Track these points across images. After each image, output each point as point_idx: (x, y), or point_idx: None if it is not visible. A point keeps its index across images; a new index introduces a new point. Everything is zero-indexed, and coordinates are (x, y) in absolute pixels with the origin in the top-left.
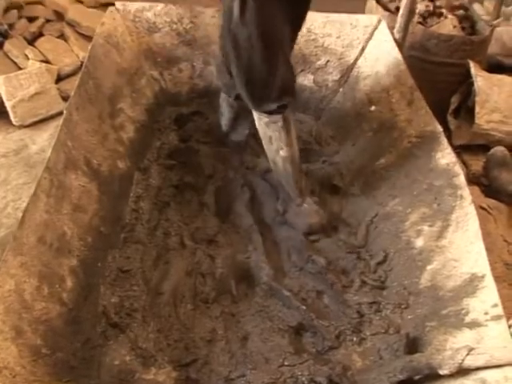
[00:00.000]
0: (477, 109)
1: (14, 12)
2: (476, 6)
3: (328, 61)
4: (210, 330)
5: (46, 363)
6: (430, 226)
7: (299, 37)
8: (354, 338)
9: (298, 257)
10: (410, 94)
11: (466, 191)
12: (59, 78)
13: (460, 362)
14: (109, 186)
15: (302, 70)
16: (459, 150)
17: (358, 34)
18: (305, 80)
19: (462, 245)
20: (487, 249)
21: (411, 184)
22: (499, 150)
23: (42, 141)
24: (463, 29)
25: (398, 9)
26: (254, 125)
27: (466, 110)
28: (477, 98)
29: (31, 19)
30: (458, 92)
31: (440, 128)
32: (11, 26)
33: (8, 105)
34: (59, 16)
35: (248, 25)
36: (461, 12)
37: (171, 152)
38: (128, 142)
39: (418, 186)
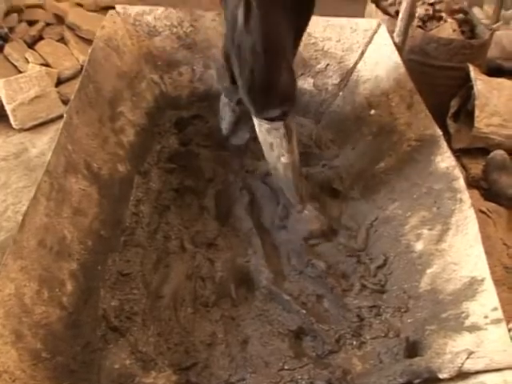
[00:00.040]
0: (476, 112)
1: (15, 15)
2: (475, 10)
3: (328, 64)
4: (210, 334)
5: (46, 367)
6: (430, 229)
7: None
8: (354, 342)
9: (298, 261)
10: (410, 98)
11: (465, 195)
12: (59, 82)
13: (460, 365)
14: (109, 189)
15: (302, 74)
16: (459, 154)
17: (357, 37)
18: (305, 83)
19: (461, 248)
20: (487, 252)
21: (411, 187)
22: (499, 154)
23: (42, 144)
24: (463, 32)
25: (397, 12)
26: (255, 129)
27: (466, 114)
28: (476, 102)
29: (31, 23)
30: (457, 95)
31: (439, 131)
32: (11, 29)
33: (8, 108)
34: (59, 19)
35: (252, 33)
36: (460, 16)
37: (171, 155)
38: (128, 146)
39: (417, 190)
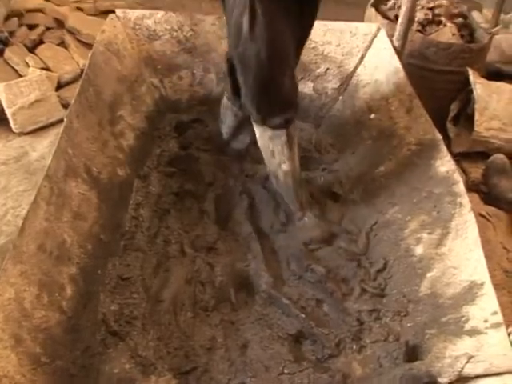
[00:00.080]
0: (476, 116)
1: (15, 20)
2: (475, 14)
3: (328, 69)
4: (209, 338)
5: (46, 371)
6: (430, 233)
7: None
8: (354, 346)
9: (297, 265)
10: (409, 102)
11: (465, 199)
12: (59, 86)
13: (460, 369)
14: (109, 193)
15: (302, 78)
16: (458, 158)
17: (357, 42)
18: (304, 88)
19: (461, 252)
20: (486, 256)
21: (411, 192)
22: (498, 158)
23: (42, 148)
24: (462, 37)
25: (397, 17)
26: (255, 133)
27: (466, 118)
28: (476, 106)
29: (32, 27)
30: (457, 99)
31: (439, 135)
32: (12, 33)
33: (8, 112)
34: (59, 24)
35: (257, 40)
36: (460, 20)
37: (171, 159)
38: (128, 150)
39: (417, 194)
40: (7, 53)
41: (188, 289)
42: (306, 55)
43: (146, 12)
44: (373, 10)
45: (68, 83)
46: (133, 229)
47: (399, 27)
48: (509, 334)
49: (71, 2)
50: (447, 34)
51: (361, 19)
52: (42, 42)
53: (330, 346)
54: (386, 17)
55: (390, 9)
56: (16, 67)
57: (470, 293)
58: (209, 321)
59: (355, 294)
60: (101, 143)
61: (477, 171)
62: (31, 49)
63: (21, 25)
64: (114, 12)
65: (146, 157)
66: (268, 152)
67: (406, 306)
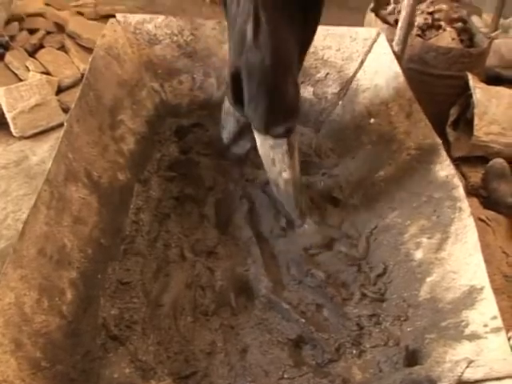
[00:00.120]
0: (475, 121)
1: (15, 24)
2: (474, 19)
3: (328, 73)
4: (209, 343)
5: (46, 376)
6: (429, 238)
7: None
8: (354, 351)
9: (297, 270)
10: (409, 107)
11: (464, 203)
12: (59, 90)
13: (459, 374)
14: (109, 197)
15: (302, 82)
16: (458, 162)
17: (357, 46)
18: (304, 92)
19: (460, 257)
20: (486, 261)
21: (410, 196)
22: (498, 162)
23: (43, 152)
24: (462, 41)
25: (396, 21)
26: (255, 138)
27: (465, 122)
28: (475, 110)
29: (32, 31)
30: (456, 104)
31: (439, 140)
32: (12, 37)
33: (8, 116)
34: (60, 28)
35: (261, 48)
36: (459, 24)
37: (171, 164)
38: (128, 154)
39: (417, 199)
40: (8, 57)
41: (188, 293)
42: (306, 60)
43: (147, 16)
44: (372, 14)
45: (68, 87)
46: (133, 233)
47: (399, 32)
48: (509, 339)
49: (72, 7)
50: (447, 38)
51: (361, 24)
52: (42, 46)
53: (330, 351)
54: (385, 21)
55: (389, 13)
56: (16, 71)
57: (470, 297)
58: (209, 325)
59: (355, 299)
60: (101, 147)
61: (476, 176)
62: (32, 53)
63: (21, 29)
64: (114, 16)
65: (146, 161)
66: (269, 160)
67: (406, 310)
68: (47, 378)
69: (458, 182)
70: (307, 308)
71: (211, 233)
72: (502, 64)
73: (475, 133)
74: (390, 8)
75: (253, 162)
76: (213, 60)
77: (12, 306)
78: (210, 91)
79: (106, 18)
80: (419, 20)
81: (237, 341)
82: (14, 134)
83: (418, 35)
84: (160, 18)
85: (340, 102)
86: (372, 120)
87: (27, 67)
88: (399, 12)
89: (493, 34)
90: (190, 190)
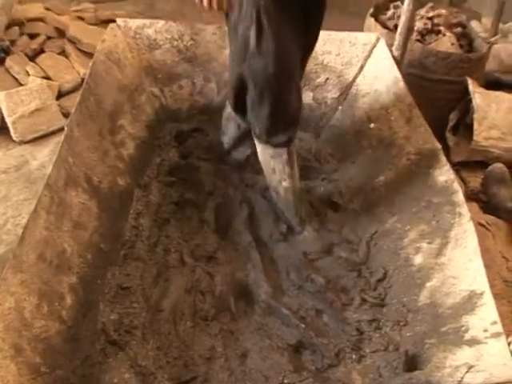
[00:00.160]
0: (475, 126)
1: (16, 29)
2: (474, 23)
3: (327, 78)
4: (209, 348)
5: (45, 381)
6: (429, 243)
7: None
8: (354, 356)
9: (297, 275)
10: (409, 112)
11: (464, 208)
12: (60, 95)
13: (459, 379)
14: (109, 202)
15: (302, 87)
16: (458, 167)
17: (357, 51)
18: (304, 97)
19: (460, 262)
20: (486, 265)
21: (410, 201)
22: (497, 167)
23: (43, 157)
24: (461, 46)
25: (396, 26)
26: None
27: (465, 127)
28: (475, 115)
29: (32, 36)
30: (456, 109)
31: (439, 145)
32: (13, 42)
33: (8, 121)
34: (60, 33)
35: (264, 54)
36: (459, 29)
37: (171, 169)
38: (128, 159)
39: (416, 204)
40: (8, 62)
41: (188, 298)
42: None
43: (147, 21)
44: (372, 19)
45: (68, 92)
46: (133, 238)
47: (398, 37)
48: (509, 344)
49: (72, 12)
50: (446, 43)
51: (360, 29)
52: (42, 51)
53: (330, 356)
54: (385, 26)
55: (389, 18)
56: (17, 76)
57: (470, 302)
58: (208, 330)
59: (355, 304)
60: (101, 152)
61: (476, 180)
62: (32, 58)
63: (22, 34)
64: (114, 21)
65: (146, 166)
66: (269, 168)
67: (406, 315)
68: (47, 383)
69: (457, 186)
70: (307, 313)
71: (211, 238)
72: (501, 69)
73: (475, 138)
74: (389, 13)
75: (253, 167)
76: (213, 65)
77: (12, 310)
78: (210, 96)
79: (106, 22)
80: (419, 25)
81: (236, 346)
82: (14, 138)
83: (418, 40)
84: (160, 23)
85: (340, 107)
86: (372, 125)
87: (27, 72)
88: (399, 17)
89: (492, 39)
90: (190, 195)
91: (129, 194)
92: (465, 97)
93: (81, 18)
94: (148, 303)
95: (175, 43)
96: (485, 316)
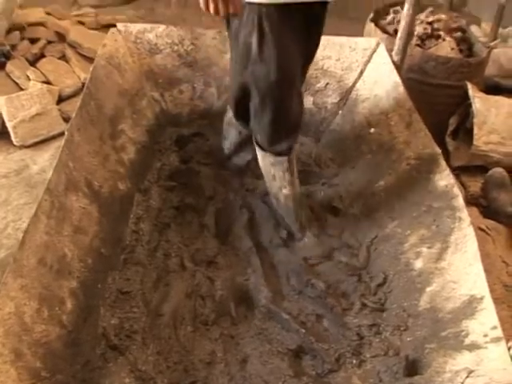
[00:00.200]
0: (475, 130)
1: (17, 33)
2: (473, 28)
3: (327, 83)
4: (209, 352)
5: None
6: (429, 247)
7: None
8: (354, 361)
9: (297, 280)
10: (409, 116)
11: (464, 213)
12: (60, 99)
13: None
14: (109, 207)
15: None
16: (458, 172)
17: (356, 56)
18: (305, 102)
19: (460, 266)
20: (486, 270)
21: (410, 206)
22: (497, 172)
23: (43, 161)
24: (461, 51)
25: (396, 31)
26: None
27: (465, 132)
28: (475, 120)
29: (33, 40)
30: (456, 114)
31: (438, 150)
32: (13, 47)
33: (9, 125)
34: (61, 37)
35: (266, 61)
36: (458, 34)
37: (172, 173)
38: (129, 163)
39: (416, 208)
40: (9, 66)
41: (188, 303)
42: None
43: (147, 26)
44: (372, 24)
45: (69, 97)
46: (133, 243)
47: (398, 41)
48: (509, 349)
49: (72, 16)
50: (446, 48)
51: (360, 34)
52: (43, 55)
53: (330, 361)
54: (385, 31)
55: (389, 23)
56: (17, 81)
57: (470, 307)
58: (209, 335)
59: (355, 309)
60: (102, 157)
61: (476, 185)
62: (32, 62)
63: (22, 38)
64: (115, 26)
65: (146, 171)
66: (269, 176)
67: (406, 320)
68: None
69: (457, 191)
70: (307, 318)
71: (211, 242)
72: (501, 73)
73: (475, 142)
74: (389, 18)
75: (253, 172)
76: (213, 69)
77: (12, 315)
78: (211, 101)
79: (106, 27)
80: (418, 30)
81: (237, 351)
82: (15, 142)
83: (418, 45)
84: (161, 28)
85: (340, 112)
86: (372, 130)
87: (28, 76)
88: (398, 22)
89: (492, 44)
90: (190, 200)
91: (129, 198)
92: (464, 101)
93: (81, 23)
94: (148, 308)
95: (176, 48)
96: (485, 321)
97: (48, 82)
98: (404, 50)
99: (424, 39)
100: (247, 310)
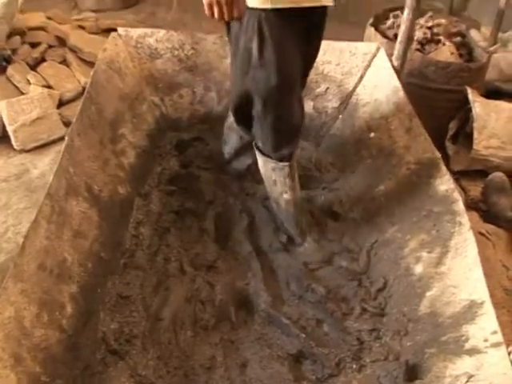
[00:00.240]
0: (475, 135)
1: (17, 38)
2: (473, 32)
3: (328, 88)
4: (209, 357)
5: None
6: (429, 252)
7: None
8: (354, 366)
9: (297, 285)
10: (409, 121)
11: (464, 217)
12: (61, 104)
13: None
14: (109, 211)
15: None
16: (458, 176)
17: (357, 61)
18: (305, 107)
19: (460, 271)
20: (486, 275)
21: (410, 211)
22: (497, 176)
23: (43, 165)
24: (461, 55)
25: (396, 36)
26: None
27: (464, 136)
28: (475, 124)
29: (34, 45)
30: (456, 118)
31: (438, 154)
32: (14, 51)
33: (9, 129)
34: (61, 42)
35: (267, 65)
36: (458, 39)
37: (172, 178)
38: (129, 168)
39: (417, 213)
40: (9, 70)
41: (188, 307)
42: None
43: (148, 30)
44: (372, 29)
45: (69, 101)
46: (133, 247)
47: (398, 46)
48: (509, 354)
49: (73, 21)
50: (446, 52)
51: (360, 38)
52: (43, 59)
53: (330, 366)
54: (385, 36)
55: (389, 28)
56: (18, 85)
57: (470, 312)
58: (208, 340)
59: (355, 314)
60: (102, 161)
61: (476, 189)
62: (33, 66)
63: (23, 43)
64: (115, 30)
65: (146, 175)
66: (270, 181)
67: (406, 325)
68: None
69: (457, 196)
70: (307, 323)
71: (211, 247)
72: (501, 78)
73: (475, 147)
74: (389, 22)
75: (253, 176)
76: (213, 74)
77: (12, 320)
78: (211, 105)
79: (107, 31)
80: (418, 34)
81: (237, 355)
82: (15, 147)
83: (418, 49)
84: (161, 32)
85: (340, 117)
86: (372, 134)
87: (29, 81)
88: (398, 26)
89: (491, 48)
90: (190, 204)
91: (129, 202)
92: (464, 106)
93: (82, 27)
94: (148, 312)
95: (176, 52)
96: (485, 325)
97: (48, 87)
98: (404, 55)
99: (424, 44)
100: (247, 314)
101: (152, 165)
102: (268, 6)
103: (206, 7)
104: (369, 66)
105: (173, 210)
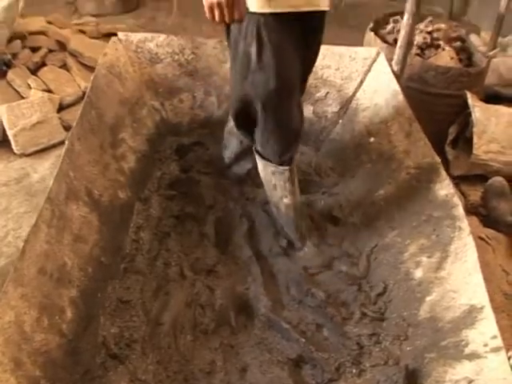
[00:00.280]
0: (475, 139)
1: (18, 42)
2: (473, 37)
3: (327, 92)
4: (209, 362)
5: None
6: (429, 257)
7: None
8: (354, 370)
9: (297, 290)
10: (409, 126)
11: (464, 222)
12: (61, 108)
13: None
14: (109, 216)
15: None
16: (457, 181)
17: (356, 66)
18: (305, 111)
19: (460, 276)
20: (486, 279)
21: (410, 215)
22: (497, 181)
23: (43, 170)
24: (460, 60)
25: (396, 41)
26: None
27: (464, 141)
28: (474, 129)
29: (34, 49)
30: (455, 123)
31: (438, 159)
32: (15, 55)
33: (10, 133)
34: (62, 46)
35: (265, 69)
36: (458, 44)
37: (172, 182)
38: (129, 172)
39: (416, 218)
40: (10, 75)
41: (188, 312)
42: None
43: (148, 35)
44: (372, 33)
45: (69, 105)
46: (133, 252)
47: (398, 51)
48: (509, 358)
49: (73, 25)
50: (445, 57)
51: (360, 43)
52: (44, 64)
53: (330, 370)
54: (384, 41)
55: (388, 33)
56: (18, 89)
57: (470, 317)
58: (208, 344)
59: (355, 318)
60: (102, 166)
61: (476, 194)
62: (34, 71)
63: (24, 47)
64: (115, 35)
65: (146, 179)
66: (270, 185)
67: (406, 329)
68: None
69: (457, 200)
70: (307, 327)
71: (211, 251)
72: (500, 82)
73: (474, 151)
74: (389, 27)
75: (253, 181)
76: (213, 79)
77: (12, 324)
78: (211, 110)
79: (107, 36)
80: (418, 39)
81: (236, 360)
82: (15, 151)
83: (417, 54)
84: (161, 37)
85: (340, 121)
86: (372, 139)
87: (29, 85)
88: (398, 31)
89: (491, 53)
90: (190, 209)
91: (129, 207)
92: (464, 111)
93: (82, 32)
94: (148, 317)
95: (176, 57)
96: (485, 330)
97: (49, 91)
98: (404, 60)
99: (424, 49)
100: (247, 319)
101: (152, 169)
102: (267, 10)
103: (206, 10)
104: (369, 70)
105: (173, 214)
